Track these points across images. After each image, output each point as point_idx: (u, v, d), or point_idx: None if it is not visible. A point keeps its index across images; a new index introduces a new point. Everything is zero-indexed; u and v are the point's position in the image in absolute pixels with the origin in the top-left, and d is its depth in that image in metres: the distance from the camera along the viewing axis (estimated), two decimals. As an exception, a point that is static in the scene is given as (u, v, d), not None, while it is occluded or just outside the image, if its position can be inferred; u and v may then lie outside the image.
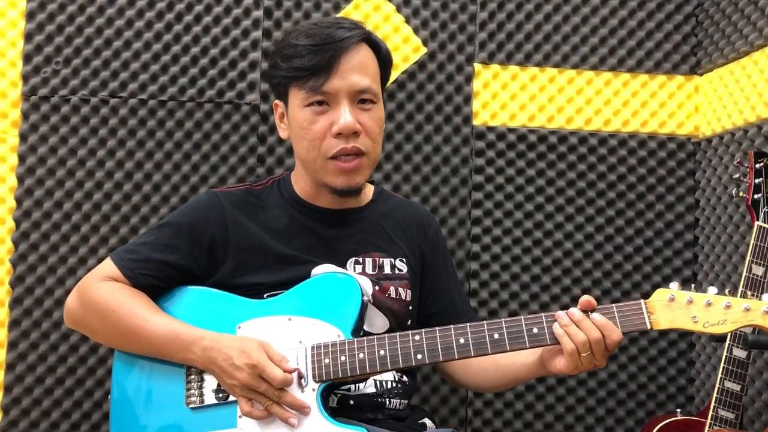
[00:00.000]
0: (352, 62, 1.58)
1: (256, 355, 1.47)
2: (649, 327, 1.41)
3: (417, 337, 1.50)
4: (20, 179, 2.33)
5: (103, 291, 1.61)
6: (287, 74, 1.60)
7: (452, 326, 1.49)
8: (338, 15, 2.43)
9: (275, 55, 1.65)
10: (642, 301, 1.42)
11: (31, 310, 2.30)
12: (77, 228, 2.33)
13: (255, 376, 1.46)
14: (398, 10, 2.45)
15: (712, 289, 1.40)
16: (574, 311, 1.45)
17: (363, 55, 1.62)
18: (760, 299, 1.38)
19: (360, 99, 1.61)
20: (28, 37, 2.36)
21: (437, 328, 1.50)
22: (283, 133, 1.72)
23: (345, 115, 1.57)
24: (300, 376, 1.50)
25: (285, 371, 1.47)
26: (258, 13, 2.41)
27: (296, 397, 1.49)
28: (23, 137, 2.34)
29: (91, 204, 2.34)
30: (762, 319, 1.35)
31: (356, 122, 1.58)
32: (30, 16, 2.36)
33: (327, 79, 1.56)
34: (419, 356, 1.49)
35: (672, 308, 1.40)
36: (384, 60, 1.69)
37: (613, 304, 1.44)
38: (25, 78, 2.35)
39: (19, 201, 2.32)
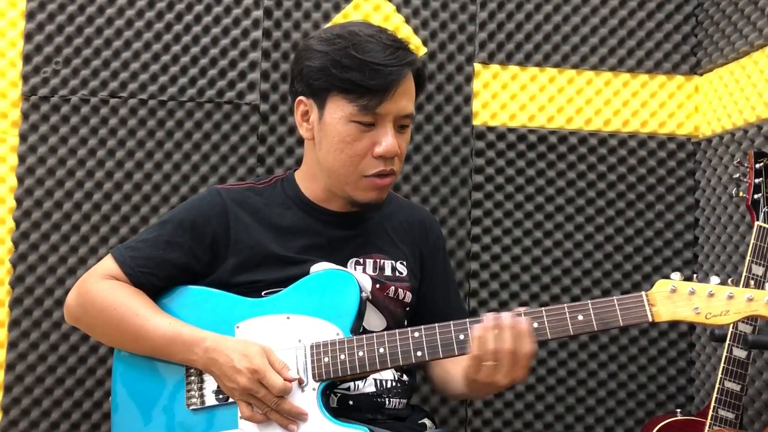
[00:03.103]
0: (403, 87, 1.58)
1: (257, 360, 1.47)
2: (650, 319, 1.38)
3: (416, 334, 1.49)
4: (20, 179, 2.33)
5: (104, 289, 1.61)
6: (338, 84, 1.55)
7: (451, 322, 1.49)
8: (339, 15, 2.43)
9: (322, 55, 1.58)
10: (643, 293, 1.40)
11: (31, 310, 2.30)
12: (77, 228, 2.33)
13: (255, 381, 1.46)
14: (398, 10, 2.45)
15: (715, 279, 1.37)
16: (504, 318, 1.41)
17: (410, 80, 1.62)
18: (763, 289, 1.36)
19: (401, 123, 1.61)
20: (28, 37, 2.36)
21: (436, 324, 1.49)
22: (306, 134, 1.67)
23: (389, 139, 1.56)
24: (300, 383, 1.50)
25: (285, 379, 1.47)
26: (258, 13, 2.41)
27: (294, 405, 1.48)
28: (23, 137, 2.34)
29: (91, 204, 2.34)
30: (765, 309, 1.32)
31: (397, 146, 1.58)
32: (30, 16, 2.36)
33: (382, 101, 1.54)
34: (419, 353, 1.49)
35: (674, 300, 1.38)
36: (421, 84, 1.69)
37: (614, 297, 1.42)
38: (25, 78, 2.35)
39: (19, 201, 2.32)
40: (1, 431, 2.28)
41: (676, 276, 1.40)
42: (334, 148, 1.60)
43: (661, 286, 1.40)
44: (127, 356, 1.63)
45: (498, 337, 1.39)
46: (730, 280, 1.38)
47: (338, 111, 1.57)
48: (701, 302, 1.36)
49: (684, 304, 1.37)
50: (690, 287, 1.37)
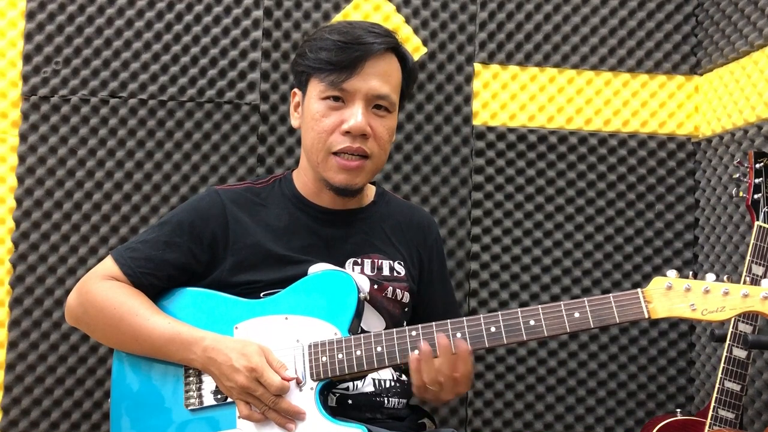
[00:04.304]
0: (376, 67, 1.60)
1: (255, 359, 1.47)
2: (646, 316, 1.38)
3: (413, 333, 1.49)
4: (20, 179, 2.33)
5: (104, 290, 1.61)
6: (312, 64, 1.62)
7: (449, 320, 1.49)
8: (339, 15, 2.43)
9: (305, 44, 1.67)
10: (639, 290, 1.40)
11: (31, 310, 2.30)
12: (77, 228, 2.33)
13: (252, 379, 1.46)
14: (398, 10, 2.45)
15: (710, 276, 1.37)
16: (441, 344, 1.46)
17: (389, 64, 1.64)
18: (758, 285, 1.35)
19: (376, 104, 1.62)
20: (28, 37, 2.36)
21: (434, 323, 1.49)
22: (294, 122, 1.74)
23: (357, 116, 1.58)
24: (298, 382, 1.50)
25: (283, 378, 1.47)
26: (258, 13, 2.41)
27: (292, 404, 1.48)
28: (23, 137, 2.34)
29: (91, 204, 2.34)
30: (760, 305, 1.32)
31: (367, 125, 1.59)
32: (30, 16, 2.36)
33: (348, 77, 1.58)
34: (416, 352, 1.49)
35: (670, 296, 1.37)
36: (409, 74, 1.70)
37: (610, 294, 1.42)
38: (25, 78, 2.35)
39: (19, 201, 2.32)
40: (1, 431, 2.28)
41: (672, 273, 1.39)
42: (307, 126, 1.65)
43: (657, 283, 1.39)
44: (126, 357, 1.63)
45: (436, 364, 1.46)
46: (725, 277, 1.38)
47: (313, 91, 1.63)
48: (697, 299, 1.36)
49: (680, 300, 1.37)
50: (686, 284, 1.37)
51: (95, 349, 2.30)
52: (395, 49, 1.65)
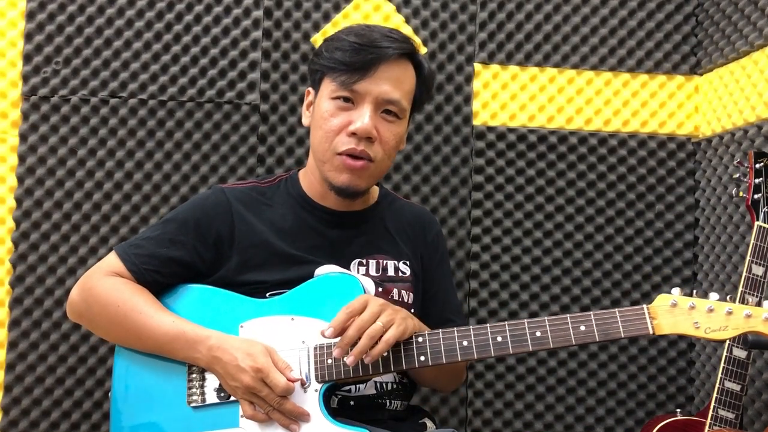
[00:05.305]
0: (389, 72, 1.60)
1: (261, 360, 1.46)
2: (651, 332, 1.41)
3: (420, 339, 1.49)
4: (20, 179, 2.33)
5: (108, 286, 1.60)
6: (326, 63, 1.62)
7: (455, 329, 1.49)
8: (340, 15, 2.43)
9: (323, 44, 1.68)
10: (644, 306, 1.43)
11: (31, 310, 2.30)
12: (77, 228, 2.33)
13: (258, 380, 1.46)
14: (398, 10, 2.45)
15: (714, 295, 1.41)
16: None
17: (403, 70, 1.63)
18: (760, 305, 1.39)
19: (385, 109, 1.61)
20: (28, 37, 2.36)
21: (440, 330, 1.50)
22: (305, 120, 1.74)
23: (364, 118, 1.58)
24: (303, 384, 1.50)
25: (288, 379, 1.47)
26: (258, 13, 2.41)
27: (296, 405, 1.48)
28: (23, 137, 2.33)
29: (91, 204, 2.34)
30: (763, 326, 1.36)
31: (373, 128, 1.59)
32: (30, 16, 2.36)
33: (360, 78, 1.57)
34: (422, 358, 1.49)
35: (674, 313, 1.41)
36: (423, 82, 1.70)
37: (616, 309, 1.44)
38: (25, 78, 2.35)
39: (19, 201, 2.32)
40: (1, 431, 2.28)
41: (676, 291, 1.43)
42: (315, 125, 1.65)
43: (662, 300, 1.43)
44: (128, 352, 1.62)
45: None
46: (728, 297, 1.41)
47: (325, 90, 1.63)
48: (701, 317, 1.40)
49: (684, 318, 1.40)
50: (690, 302, 1.41)
51: (95, 349, 2.30)
52: (411, 56, 1.65)
